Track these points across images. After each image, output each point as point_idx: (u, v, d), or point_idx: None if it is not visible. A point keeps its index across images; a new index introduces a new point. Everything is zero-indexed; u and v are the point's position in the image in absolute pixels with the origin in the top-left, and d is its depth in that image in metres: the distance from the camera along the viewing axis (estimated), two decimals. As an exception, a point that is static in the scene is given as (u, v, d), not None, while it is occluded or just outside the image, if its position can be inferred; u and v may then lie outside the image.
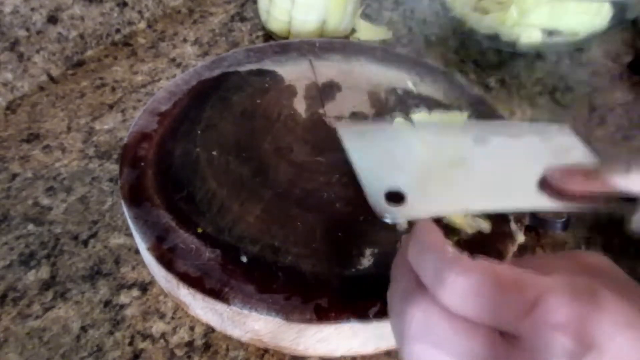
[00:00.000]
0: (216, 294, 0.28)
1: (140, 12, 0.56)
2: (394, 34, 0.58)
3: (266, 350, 0.30)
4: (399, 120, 0.40)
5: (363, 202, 0.34)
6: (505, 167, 0.32)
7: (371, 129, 0.36)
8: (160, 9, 0.58)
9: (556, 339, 0.17)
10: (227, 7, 0.61)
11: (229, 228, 0.32)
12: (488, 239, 0.32)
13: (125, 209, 0.33)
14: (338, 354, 0.30)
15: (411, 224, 0.33)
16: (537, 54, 0.56)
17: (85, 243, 0.35)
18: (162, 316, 0.31)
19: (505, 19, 0.52)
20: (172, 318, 0.31)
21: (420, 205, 0.29)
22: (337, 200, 0.34)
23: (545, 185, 0.29)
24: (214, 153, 0.37)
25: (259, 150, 0.38)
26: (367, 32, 0.57)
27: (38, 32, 0.46)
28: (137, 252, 0.35)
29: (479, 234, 0.32)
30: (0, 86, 0.45)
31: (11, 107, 0.45)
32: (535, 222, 0.35)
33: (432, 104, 0.43)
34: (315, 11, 0.52)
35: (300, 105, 0.42)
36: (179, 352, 0.30)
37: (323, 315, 0.28)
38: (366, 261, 0.31)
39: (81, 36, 0.50)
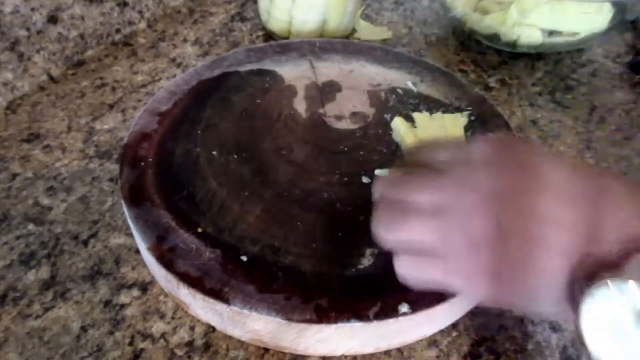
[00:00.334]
0: (216, 294, 0.28)
1: (140, 12, 0.56)
2: (394, 34, 0.58)
3: (266, 350, 0.30)
4: (398, 119, 0.40)
5: (363, 202, 0.34)
6: None
7: None
8: (160, 9, 0.58)
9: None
10: (227, 7, 0.61)
11: (229, 228, 0.32)
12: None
13: (125, 209, 0.33)
14: (338, 353, 0.30)
15: None
16: (537, 54, 0.56)
17: (85, 243, 0.35)
18: (162, 316, 0.31)
19: (505, 19, 0.52)
20: (172, 318, 0.31)
21: None
22: (337, 200, 0.34)
23: None
24: (214, 153, 0.37)
25: (259, 150, 0.38)
26: (367, 32, 0.57)
27: (38, 32, 0.46)
28: (137, 252, 0.35)
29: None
30: (1, 86, 0.45)
31: (11, 107, 0.45)
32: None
33: (432, 104, 0.43)
34: (315, 11, 0.52)
35: (300, 105, 0.42)
36: (179, 352, 0.30)
37: (323, 315, 0.28)
38: (366, 261, 0.31)
39: (81, 36, 0.50)
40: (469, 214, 0.23)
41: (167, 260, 0.30)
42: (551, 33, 0.53)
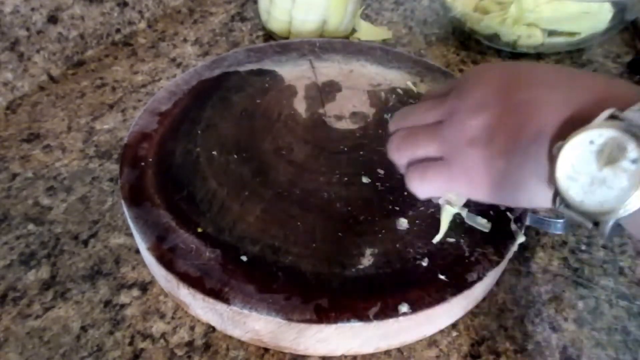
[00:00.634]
0: (216, 294, 0.28)
1: (140, 12, 0.56)
2: (394, 34, 0.58)
3: (266, 350, 0.30)
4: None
5: (363, 202, 0.34)
6: None
7: None
8: (160, 9, 0.58)
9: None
10: (227, 7, 0.61)
11: (229, 228, 0.32)
12: (488, 239, 0.32)
13: (125, 209, 0.33)
14: (338, 353, 0.30)
15: (411, 224, 0.33)
16: (537, 54, 0.56)
17: (85, 243, 0.35)
18: (162, 316, 0.31)
19: (505, 19, 0.52)
20: (172, 318, 0.31)
21: None
22: (337, 200, 0.34)
23: None
24: (214, 153, 0.37)
25: (259, 150, 0.38)
26: (367, 32, 0.57)
27: (38, 32, 0.46)
28: (137, 252, 0.35)
29: (479, 234, 0.32)
30: (1, 86, 0.45)
31: (11, 107, 0.45)
32: (535, 222, 0.35)
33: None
34: (315, 11, 0.52)
35: (300, 105, 0.42)
36: (179, 352, 0.30)
37: (323, 315, 0.28)
38: (366, 261, 0.31)
39: (81, 36, 0.50)
40: (465, 118, 0.27)
41: (167, 260, 0.30)
42: (551, 33, 0.53)
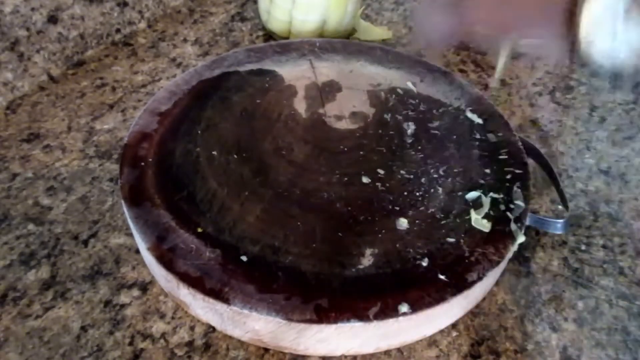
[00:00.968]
0: (216, 294, 0.28)
1: (140, 12, 0.56)
2: (394, 34, 0.58)
3: (266, 350, 0.30)
4: None
5: (363, 202, 0.34)
6: None
7: None
8: (160, 9, 0.58)
9: None
10: (227, 7, 0.61)
11: (229, 228, 0.32)
12: (488, 239, 0.32)
13: (125, 209, 0.33)
14: (338, 353, 0.30)
15: (411, 224, 0.33)
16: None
17: (85, 243, 0.35)
18: (162, 316, 0.31)
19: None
20: (172, 318, 0.31)
21: None
22: (337, 200, 0.34)
23: None
24: (214, 153, 0.37)
25: (259, 150, 0.38)
26: (367, 32, 0.57)
27: (38, 32, 0.46)
28: (137, 252, 0.35)
29: (479, 234, 0.32)
30: (1, 86, 0.45)
31: (11, 107, 0.45)
32: (536, 222, 0.35)
33: (432, 104, 0.43)
34: (315, 11, 0.52)
35: (300, 105, 0.42)
36: (179, 352, 0.30)
37: (323, 315, 0.28)
38: (366, 261, 0.31)
39: (81, 36, 0.50)
40: None
41: (167, 260, 0.30)
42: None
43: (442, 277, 0.30)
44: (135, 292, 0.33)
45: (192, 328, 0.31)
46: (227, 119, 0.40)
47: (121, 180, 0.34)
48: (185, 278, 0.29)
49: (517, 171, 0.37)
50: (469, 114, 0.42)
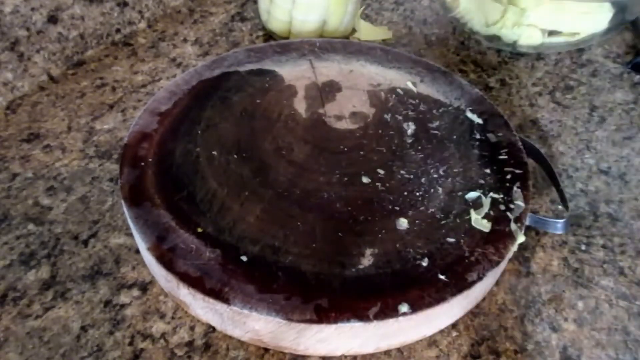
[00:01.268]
0: (216, 294, 0.28)
1: (140, 12, 0.56)
2: (394, 34, 0.58)
3: (266, 350, 0.30)
4: None
5: (363, 202, 0.34)
6: None
7: None
8: (160, 9, 0.58)
9: None
10: (227, 7, 0.61)
11: (229, 228, 0.32)
12: (488, 239, 0.32)
13: (125, 209, 0.33)
14: (338, 353, 0.30)
15: (411, 224, 0.33)
16: (537, 54, 0.56)
17: (85, 243, 0.35)
18: (162, 316, 0.31)
19: (505, 20, 0.52)
20: (172, 318, 0.31)
21: None
22: (337, 200, 0.34)
23: None
24: (214, 153, 0.37)
25: (259, 150, 0.38)
26: (367, 32, 0.57)
27: (38, 32, 0.46)
28: (137, 252, 0.35)
29: (479, 234, 0.32)
30: (1, 86, 0.45)
31: (11, 107, 0.45)
32: (536, 222, 0.35)
33: (432, 104, 0.43)
34: (315, 11, 0.52)
35: (300, 105, 0.42)
36: (179, 352, 0.30)
37: (323, 315, 0.28)
38: (366, 261, 0.31)
39: (81, 36, 0.50)
40: None
41: (167, 260, 0.30)
42: (551, 33, 0.53)
43: (442, 277, 0.30)
44: (135, 292, 0.33)
45: (192, 328, 0.31)
46: (227, 119, 0.40)
47: (121, 180, 0.34)
48: (185, 278, 0.29)
49: (517, 171, 0.37)
50: (469, 114, 0.42)
